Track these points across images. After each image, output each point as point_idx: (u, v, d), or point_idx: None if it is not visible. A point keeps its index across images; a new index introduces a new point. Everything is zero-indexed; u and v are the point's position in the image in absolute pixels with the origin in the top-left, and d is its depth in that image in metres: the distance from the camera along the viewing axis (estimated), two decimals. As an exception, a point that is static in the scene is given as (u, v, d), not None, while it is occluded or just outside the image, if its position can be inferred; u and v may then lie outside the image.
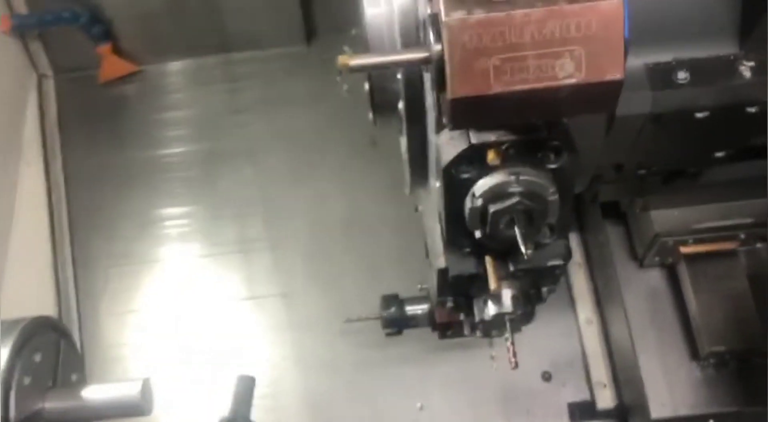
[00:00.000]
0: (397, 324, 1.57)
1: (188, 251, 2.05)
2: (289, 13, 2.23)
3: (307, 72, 2.26)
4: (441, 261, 1.07)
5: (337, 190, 2.09)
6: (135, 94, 2.26)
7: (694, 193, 1.58)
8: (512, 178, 0.91)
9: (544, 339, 1.90)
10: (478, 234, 0.97)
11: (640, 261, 1.74)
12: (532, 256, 0.99)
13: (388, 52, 0.78)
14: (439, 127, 0.95)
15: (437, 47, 0.73)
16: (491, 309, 1.09)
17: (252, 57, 2.28)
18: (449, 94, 0.73)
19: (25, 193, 2.05)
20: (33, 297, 1.95)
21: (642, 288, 1.74)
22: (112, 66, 2.22)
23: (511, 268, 1.06)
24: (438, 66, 0.73)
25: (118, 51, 2.22)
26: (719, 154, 1.23)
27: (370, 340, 1.81)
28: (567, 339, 1.91)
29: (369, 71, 0.78)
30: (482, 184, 0.92)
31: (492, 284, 1.04)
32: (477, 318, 1.12)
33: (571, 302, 1.94)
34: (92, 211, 2.10)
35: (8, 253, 1.93)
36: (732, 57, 1.09)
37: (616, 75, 0.73)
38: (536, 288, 1.16)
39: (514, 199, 0.91)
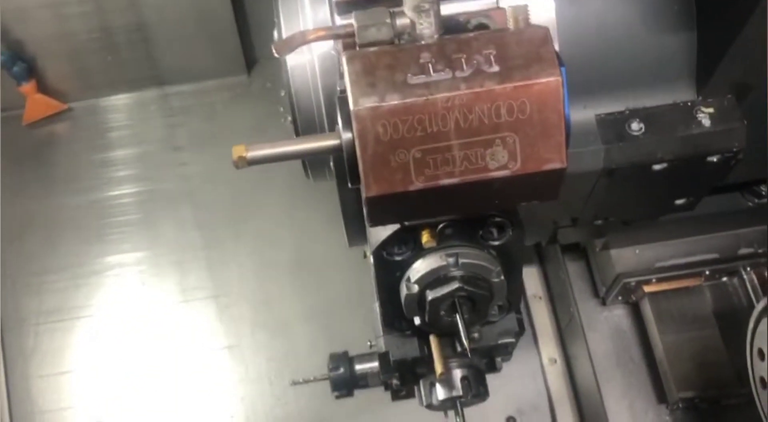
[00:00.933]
0: (346, 385, 1.45)
1: (125, 303, 1.91)
2: (227, 42, 2.11)
3: (248, 103, 2.15)
4: (381, 344, 0.97)
5: (282, 228, 1.97)
6: (64, 133, 2.12)
7: (655, 230, 1.49)
8: (451, 260, 0.81)
9: (508, 380, 1.80)
10: (417, 321, 0.86)
11: (603, 300, 1.65)
12: (479, 339, 0.89)
13: (292, 140, 0.67)
14: (367, 204, 0.85)
15: (347, 135, 0.62)
16: (440, 394, 0.99)
17: (190, 90, 2.16)
18: (364, 192, 0.63)
19: (-54, 247, 1.90)
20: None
21: (606, 327, 1.66)
22: (38, 105, 2.07)
23: (459, 348, 0.96)
24: (349, 157, 0.63)
25: (43, 89, 2.08)
26: (680, 201, 1.15)
27: (322, 394, 1.69)
28: (531, 380, 1.81)
29: (271, 162, 0.66)
30: (418, 268, 0.82)
31: (438, 368, 0.93)
32: (425, 402, 1.02)
33: (534, 339, 1.85)
34: (20, 263, 1.95)
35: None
36: (689, 104, 1.00)
37: (556, 164, 0.63)
38: (490, 359, 1.07)
39: (455, 285, 0.81)
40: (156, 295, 1.92)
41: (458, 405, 1.00)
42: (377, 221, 0.69)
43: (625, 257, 1.52)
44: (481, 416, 1.09)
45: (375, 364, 1.47)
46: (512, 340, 0.96)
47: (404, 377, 1.05)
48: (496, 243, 0.82)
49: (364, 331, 1.57)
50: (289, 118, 2.31)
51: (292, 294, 1.91)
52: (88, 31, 2.00)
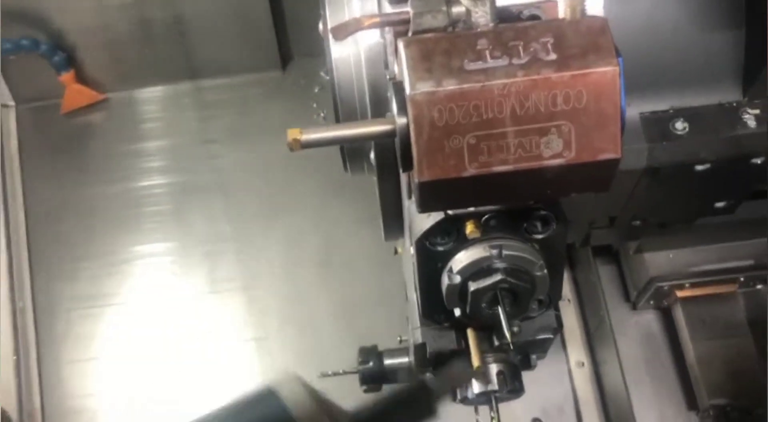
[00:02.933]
0: (375, 379, 1.46)
1: (156, 292, 1.93)
2: (263, 37, 2.12)
3: (282, 99, 2.16)
4: (417, 336, 0.97)
5: (313, 225, 1.97)
6: (100, 123, 2.14)
7: (690, 234, 1.48)
8: (494, 252, 0.81)
9: (534, 382, 1.76)
10: (457, 312, 0.86)
11: (634, 304, 1.64)
12: (518, 333, 0.89)
13: (347, 124, 0.67)
14: (411, 193, 0.85)
15: (402, 121, 0.63)
16: (476, 388, 0.99)
17: (224, 84, 2.17)
18: (417, 177, 0.63)
19: (-18, 232, 1.93)
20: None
21: (636, 332, 1.65)
22: (76, 95, 2.10)
23: (496, 342, 0.96)
24: (403, 142, 0.63)
25: (82, 79, 2.11)
26: (720, 204, 1.14)
27: (350, 389, 1.70)
28: (558, 382, 1.80)
29: (325, 146, 0.67)
30: (460, 259, 0.82)
31: (475, 362, 0.93)
32: (459, 396, 1.01)
33: (562, 342, 1.84)
34: (54, 249, 1.97)
35: (-36, 296, 1.81)
36: (734, 104, 0.99)
37: (611, 154, 0.63)
38: (524, 355, 1.06)
39: (498, 277, 0.81)
40: (186, 285, 1.93)
41: (493, 399, 1.00)
42: (428, 207, 0.69)
43: (659, 261, 1.51)
44: (507, 416, 1.09)
45: (404, 359, 1.47)
46: (550, 336, 0.96)
47: (438, 371, 1.05)
48: (540, 236, 0.82)
49: (392, 328, 1.57)
50: (322, 114, 2.32)
51: (320, 290, 1.91)
52: (128, 23, 2.02)
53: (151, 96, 2.18)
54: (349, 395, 1.66)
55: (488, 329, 0.96)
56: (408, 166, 0.64)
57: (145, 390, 1.81)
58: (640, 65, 0.99)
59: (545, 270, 0.82)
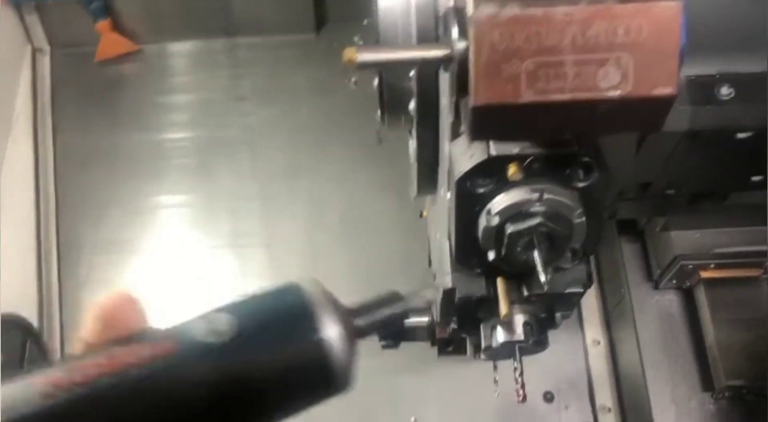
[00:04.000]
0: (394, 336, 1.47)
1: (178, 242, 1.95)
2: (299, -1, 2.13)
3: (314, 62, 2.16)
4: (447, 281, 0.97)
5: (338, 188, 1.98)
6: (133, 74, 2.16)
7: (718, 215, 1.48)
8: (535, 195, 0.80)
9: (548, 357, 1.77)
10: (491, 255, 0.86)
11: (656, 283, 1.64)
12: (550, 282, 0.89)
13: (404, 47, 0.68)
14: (455, 134, 0.85)
15: (461, 45, 0.63)
16: (501, 336, 0.99)
17: (258, 42, 2.18)
18: (472, 101, 0.63)
19: (11, 172, 1.95)
20: (14, 284, 1.85)
21: (656, 311, 1.64)
22: (111, 43, 2.11)
23: (525, 293, 0.96)
24: (461, 67, 0.63)
25: (117, 28, 2.12)
26: (756, 178, 1.13)
27: (365, 347, 1.70)
28: (572, 359, 1.81)
29: (380, 68, 0.67)
30: (500, 201, 0.82)
31: (503, 309, 0.93)
32: (483, 345, 1.02)
33: (579, 320, 1.84)
34: (81, 194, 2.00)
35: (-9, 234, 1.83)
36: (783, 73, 0.98)
37: (667, 89, 0.63)
38: (550, 312, 1.06)
39: (536, 220, 0.81)
40: (208, 238, 1.95)
41: (517, 350, 1.00)
42: (479, 134, 0.69)
43: (685, 239, 1.50)
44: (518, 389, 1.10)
45: (424, 318, 1.48)
46: (580, 290, 0.96)
47: (463, 320, 1.06)
48: (581, 184, 0.82)
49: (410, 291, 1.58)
50: (353, 80, 2.32)
51: (341, 251, 1.92)
52: (167, -26, 2.04)
53: (185, 50, 2.19)
54: (367, 349, 1.68)
55: (518, 279, 0.97)
56: (463, 91, 0.64)
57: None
58: (689, 28, 0.99)
59: (584, 218, 0.82)
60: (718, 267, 1.52)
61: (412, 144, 1.15)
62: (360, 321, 0.48)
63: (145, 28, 2.15)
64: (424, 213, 1.46)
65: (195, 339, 0.41)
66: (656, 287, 1.65)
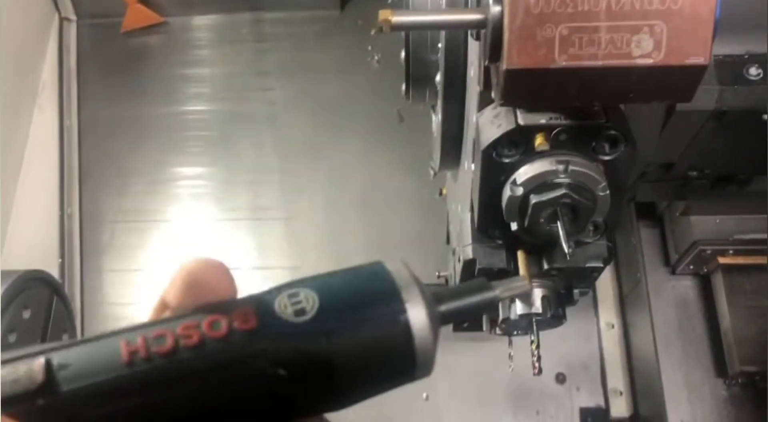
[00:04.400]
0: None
1: (198, 213, 1.97)
2: (325, -26, 2.13)
3: (337, 38, 2.17)
4: (468, 252, 0.98)
5: (357, 164, 2.00)
6: (157, 46, 2.17)
7: (739, 202, 1.47)
8: (560, 167, 0.81)
9: (562, 339, 1.81)
10: (514, 226, 0.87)
11: (673, 268, 1.64)
12: (572, 255, 0.90)
13: (438, 10, 0.68)
14: (482, 104, 0.86)
15: (496, 8, 0.63)
16: (519, 309, 1.00)
17: (282, 18, 2.19)
18: (505, 64, 0.63)
19: (36, 139, 1.97)
20: (37, 247, 1.89)
21: (672, 296, 1.64)
22: (137, 15, 2.13)
23: (545, 266, 0.97)
24: (495, 31, 0.64)
25: (144, 0, 2.13)
26: (781, 162, 1.13)
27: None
28: (585, 341, 1.82)
29: (413, 30, 0.68)
30: (525, 171, 0.83)
31: (522, 281, 0.94)
32: (501, 316, 1.03)
33: (594, 304, 1.85)
34: (104, 163, 2.02)
35: (15, 199, 1.86)
36: (813, 55, 0.98)
37: (700, 59, 0.63)
38: (567, 289, 1.07)
39: (560, 191, 0.81)
40: (227, 210, 1.97)
41: (534, 324, 1.01)
42: (511, 99, 0.70)
43: (705, 225, 1.50)
44: (530, 369, 1.10)
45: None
46: (600, 265, 0.96)
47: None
48: (607, 158, 0.82)
49: (428, 269, 1.59)
50: (376, 57, 2.32)
51: (358, 228, 1.94)
52: (194, -53, 2.04)
53: (210, 23, 2.20)
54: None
55: (538, 253, 0.97)
56: (495, 56, 0.65)
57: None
58: (719, 7, 0.99)
59: (607, 192, 0.83)
60: (737, 253, 1.51)
61: (436, 119, 1.16)
62: (444, 307, 0.45)
63: (170, 0, 2.16)
64: (443, 191, 1.46)
65: (276, 315, 0.40)
66: (673, 272, 1.65)
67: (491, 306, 0.50)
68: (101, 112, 2.08)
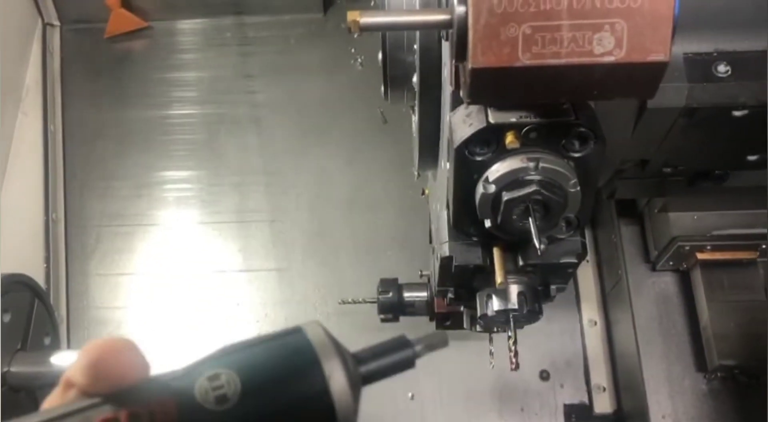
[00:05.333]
0: (394, 310, 1.49)
1: (184, 217, 1.98)
2: (307, -22, 2.14)
3: (321, 41, 2.18)
4: (445, 249, 1.00)
5: (342, 166, 2.01)
6: (141, 51, 2.18)
7: (716, 198, 1.49)
8: (531, 164, 0.83)
9: (545, 336, 1.83)
10: (487, 223, 0.89)
11: (653, 265, 1.66)
12: (545, 251, 0.91)
13: (405, 11, 0.70)
14: (455, 104, 0.87)
15: (461, 9, 0.65)
16: (495, 305, 1.01)
17: (266, 21, 2.20)
18: (470, 63, 0.65)
19: (21, 144, 1.97)
20: (22, 252, 1.89)
21: (652, 292, 1.66)
22: (120, 20, 2.13)
23: (521, 262, 0.99)
24: (460, 30, 0.65)
25: (127, 5, 2.14)
26: (752, 157, 1.15)
27: (364, 323, 1.73)
28: (569, 338, 1.83)
29: (382, 31, 0.69)
30: (497, 169, 0.84)
31: (498, 278, 0.96)
32: (479, 313, 1.04)
33: (577, 301, 1.87)
34: (89, 167, 2.03)
35: (0, 204, 1.86)
36: (780, 52, 1.00)
37: (660, 56, 0.65)
38: (545, 285, 1.09)
39: (532, 188, 0.83)
40: (213, 213, 1.98)
41: (512, 319, 1.02)
42: (477, 97, 0.71)
43: (683, 221, 1.52)
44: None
45: (424, 294, 1.51)
46: (573, 261, 0.98)
47: (460, 290, 1.08)
48: (577, 154, 0.84)
49: (412, 268, 1.61)
50: (360, 60, 2.33)
51: (344, 228, 1.95)
52: (177, -49, 2.05)
53: (194, 27, 2.21)
54: (366, 324, 1.72)
55: (514, 250, 0.99)
56: (462, 55, 0.66)
57: (167, 308, 1.86)
58: (687, 6, 1.00)
59: (578, 188, 0.85)
60: (715, 249, 1.54)
61: (415, 119, 1.17)
62: (365, 369, 0.46)
63: (154, 5, 2.17)
64: (426, 191, 1.48)
65: (197, 405, 0.39)
66: (653, 269, 1.67)
67: (411, 363, 0.51)
68: (86, 116, 2.09)
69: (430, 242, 1.42)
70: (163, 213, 1.99)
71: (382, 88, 1.22)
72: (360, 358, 0.46)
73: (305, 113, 2.08)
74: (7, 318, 1.04)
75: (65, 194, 1.99)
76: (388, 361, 0.47)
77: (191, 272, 1.91)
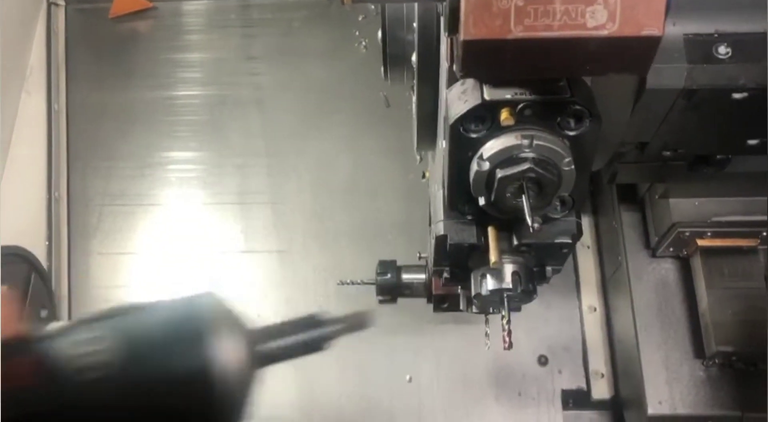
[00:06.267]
0: (392, 291, 1.50)
1: (186, 197, 1.99)
2: (313, -40, 2.13)
3: (325, 25, 2.17)
4: (440, 228, 1.00)
5: (344, 149, 2.01)
6: (146, 31, 2.18)
7: (717, 184, 1.48)
8: (525, 141, 0.83)
9: (544, 322, 1.83)
10: (481, 201, 0.89)
11: (653, 251, 1.65)
12: (539, 231, 0.91)
13: (399, -17, 0.69)
14: (451, 81, 0.87)
15: (454, -19, 0.64)
16: (489, 284, 1.01)
17: (270, 3, 2.19)
18: (462, 35, 0.65)
19: (24, 124, 1.98)
20: (25, 230, 1.90)
21: (652, 278, 1.66)
22: (125, 0, 2.13)
23: (515, 242, 0.99)
24: (452, 3, 0.65)
25: (132, -16, 2.14)
26: (752, 142, 1.14)
27: (362, 305, 1.73)
28: (568, 324, 1.84)
29: (374, 3, 0.69)
30: (491, 146, 0.84)
31: (493, 257, 0.96)
32: (473, 292, 1.05)
33: (577, 287, 1.87)
34: (92, 147, 2.03)
35: (2, 183, 1.87)
36: (781, 34, 0.99)
37: (654, 30, 0.64)
38: (540, 266, 1.09)
39: (525, 166, 0.83)
40: (215, 193, 1.99)
41: (506, 299, 1.02)
42: (469, 70, 0.71)
43: (684, 207, 1.51)
44: (513, 352, 1.11)
45: (422, 276, 1.51)
46: (568, 241, 0.98)
47: (455, 270, 1.09)
48: (572, 133, 0.84)
49: (411, 252, 1.61)
50: (364, 43, 2.32)
51: (345, 211, 1.95)
52: (182, -68, 2.05)
53: (198, 8, 2.20)
54: (365, 306, 1.72)
55: (509, 229, 0.99)
56: (454, 28, 0.66)
57: (168, 288, 1.87)
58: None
59: (573, 166, 0.84)
60: (715, 235, 1.53)
61: (414, 99, 1.17)
62: (264, 347, 0.44)
63: (159, -15, 2.17)
64: (427, 174, 1.48)
65: (59, 369, 0.36)
66: (653, 255, 1.66)
67: (318, 345, 0.48)
68: (89, 96, 2.09)
69: (430, 225, 1.42)
70: (165, 193, 1.99)
71: (382, 68, 1.22)
72: (260, 336, 0.44)
73: (308, 96, 2.08)
74: (2, 289, 1.05)
75: (68, 173, 1.99)
76: (291, 341, 0.45)
77: (193, 252, 1.92)
